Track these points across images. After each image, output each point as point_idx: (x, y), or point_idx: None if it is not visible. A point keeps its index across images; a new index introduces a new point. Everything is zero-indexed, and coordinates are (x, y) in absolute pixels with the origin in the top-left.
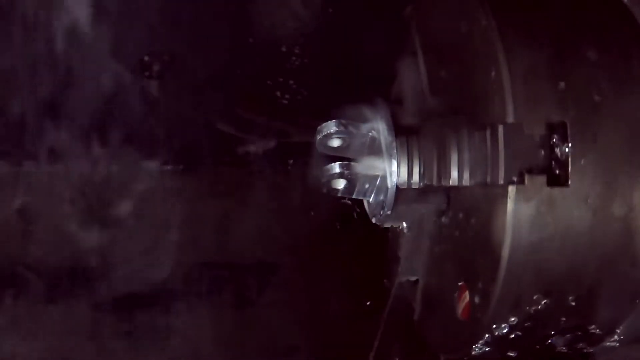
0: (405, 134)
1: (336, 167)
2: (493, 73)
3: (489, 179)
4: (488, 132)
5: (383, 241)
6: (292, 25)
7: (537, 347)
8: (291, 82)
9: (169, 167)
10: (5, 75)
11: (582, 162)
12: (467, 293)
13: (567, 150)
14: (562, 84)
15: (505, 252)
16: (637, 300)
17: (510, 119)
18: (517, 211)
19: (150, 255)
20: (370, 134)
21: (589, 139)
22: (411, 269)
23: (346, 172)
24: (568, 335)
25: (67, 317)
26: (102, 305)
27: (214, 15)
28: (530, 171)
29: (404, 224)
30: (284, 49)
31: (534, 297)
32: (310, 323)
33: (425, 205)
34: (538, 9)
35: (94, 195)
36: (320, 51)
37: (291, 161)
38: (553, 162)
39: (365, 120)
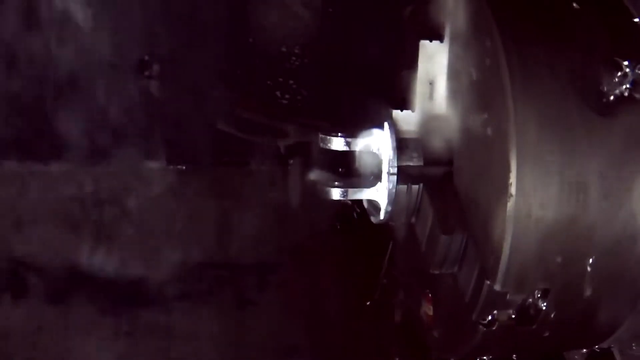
0: (408, 182)
1: (336, 194)
2: (497, 226)
3: (466, 299)
4: (476, 271)
5: (383, 242)
6: (292, 25)
7: None
8: (291, 82)
9: (169, 167)
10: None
11: (552, 315)
12: (431, 306)
13: (543, 307)
14: (559, 259)
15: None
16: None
17: (498, 286)
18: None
19: (150, 254)
20: (374, 152)
21: (568, 301)
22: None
23: (344, 197)
24: None
25: (67, 316)
26: (102, 305)
27: (214, 15)
28: (500, 318)
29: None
30: (284, 49)
31: None
32: (310, 323)
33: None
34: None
35: (95, 195)
36: (320, 51)
37: (291, 161)
38: (526, 312)
39: (369, 135)
